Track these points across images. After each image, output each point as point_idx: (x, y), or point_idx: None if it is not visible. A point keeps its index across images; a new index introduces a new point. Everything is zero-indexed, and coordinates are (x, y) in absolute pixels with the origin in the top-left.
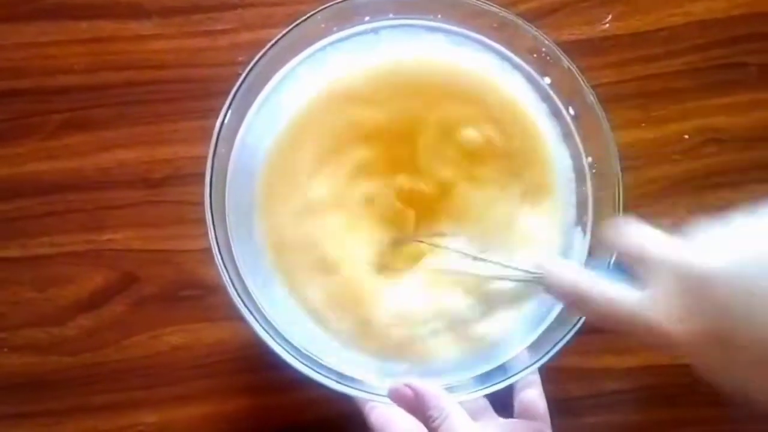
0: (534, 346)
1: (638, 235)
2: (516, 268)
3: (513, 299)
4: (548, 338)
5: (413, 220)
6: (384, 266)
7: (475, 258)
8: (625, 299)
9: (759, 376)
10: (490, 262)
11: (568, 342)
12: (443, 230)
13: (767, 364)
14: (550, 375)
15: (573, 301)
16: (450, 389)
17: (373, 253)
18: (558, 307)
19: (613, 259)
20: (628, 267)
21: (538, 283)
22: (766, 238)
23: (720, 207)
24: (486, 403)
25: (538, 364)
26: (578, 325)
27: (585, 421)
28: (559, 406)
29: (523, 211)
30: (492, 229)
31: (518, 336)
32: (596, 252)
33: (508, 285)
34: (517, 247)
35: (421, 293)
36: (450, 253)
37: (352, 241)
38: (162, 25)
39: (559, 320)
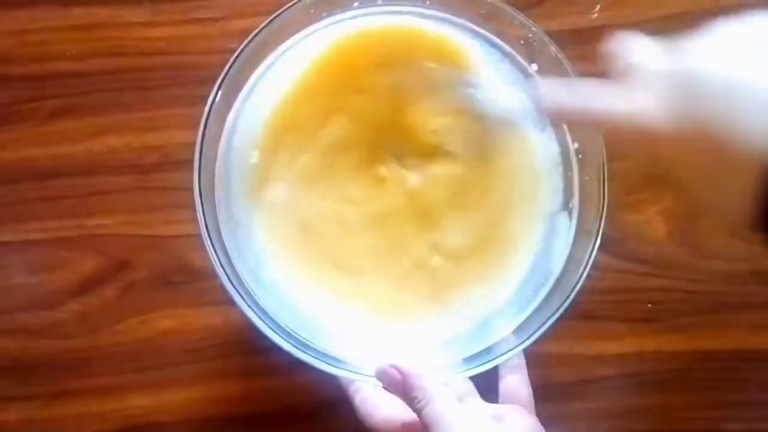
0: (520, 329)
1: (632, 46)
2: (515, 93)
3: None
4: (535, 321)
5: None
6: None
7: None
8: (618, 105)
9: (716, 178)
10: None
11: (553, 325)
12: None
13: (724, 167)
14: (539, 361)
15: (572, 119)
16: (436, 369)
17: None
18: (545, 290)
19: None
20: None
21: (537, 105)
22: (748, 38)
23: None
24: (471, 386)
25: (523, 346)
26: (564, 308)
27: (573, 407)
28: (547, 391)
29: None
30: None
31: (505, 319)
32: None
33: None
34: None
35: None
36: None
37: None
38: (154, 12)
39: (546, 303)
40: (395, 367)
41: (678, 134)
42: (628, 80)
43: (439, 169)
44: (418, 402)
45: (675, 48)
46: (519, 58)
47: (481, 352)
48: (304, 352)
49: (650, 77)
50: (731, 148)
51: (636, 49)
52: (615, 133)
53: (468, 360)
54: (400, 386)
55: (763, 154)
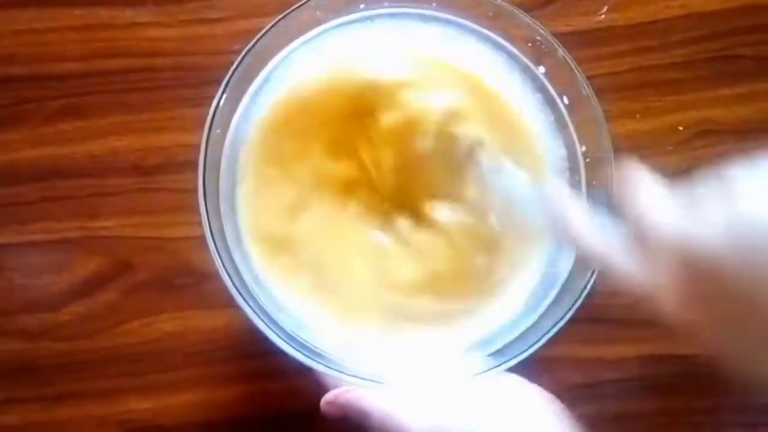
0: (528, 334)
1: (637, 190)
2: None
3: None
4: (542, 325)
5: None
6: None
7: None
8: (636, 273)
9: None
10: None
11: (560, 329)
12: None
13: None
14: (545, 364)
15: (582, 246)
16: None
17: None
18: (553, 295)
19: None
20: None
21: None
22: (746, 204)
23: None
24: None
25: (532, 350)
26: (572, 312)
27: (579, 410)
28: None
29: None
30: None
31: (513, 324)
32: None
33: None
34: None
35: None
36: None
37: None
38: (157, 12)
39: (554, 307)
40: (331, 404)
41: (701, 323)
42: (640, 238)
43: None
44: (364, 423)
45: (683, 213)
46: (526, 60)
47: (488, 356)
48: (307, 356)
49: (662, 247)
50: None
51: (645, 197)
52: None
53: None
54: (345, 416)
55: None
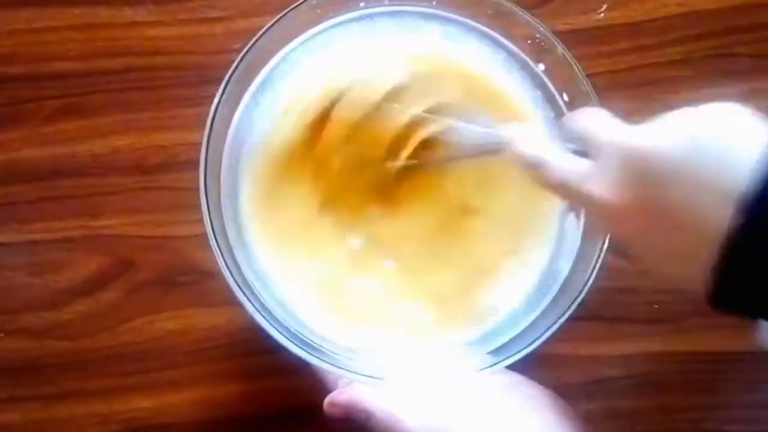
0: (529, 330)
1: (592, 118)
2: (490, 133)
3: None
4: (543, 322)
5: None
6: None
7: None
8: (573, 169)
9: (673, 256)
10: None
11: (561, 326)
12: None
13: (683, 247)
14: (546, 361)
15: (531, 167)
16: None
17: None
18: (554, 292)
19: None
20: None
21: (505, 149)
22: (706, 122)
23: None
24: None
25: (532, 347)
26: (573, 309)
27: (579, 407)
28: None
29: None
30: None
31: (513, 320)
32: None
33: None
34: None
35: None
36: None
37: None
38: (157, 11)
39: (555, 304)
40: (333, 405)
41: (629, 210)
42: (591, 150)
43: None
44: (365, 423)
45: (632, 127)
46: (526, 57)
47: (489, 353)
48: (309, 353)
49: (604, 152)
50: (686, 226)
51: (595, 122)
52: (569, 201)
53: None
54: (348, 417)
55: (718, 231)
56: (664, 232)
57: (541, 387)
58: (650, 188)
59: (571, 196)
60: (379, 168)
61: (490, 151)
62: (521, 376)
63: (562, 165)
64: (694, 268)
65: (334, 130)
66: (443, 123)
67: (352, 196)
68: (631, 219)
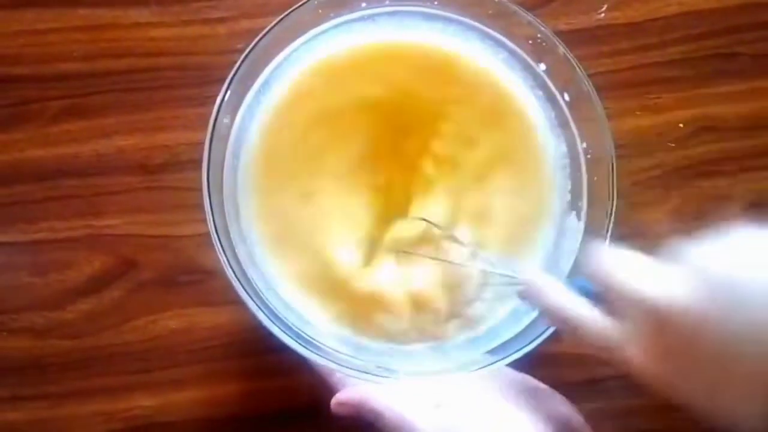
0: (529, 329)
1: (610, 265)
2: (502, 274)
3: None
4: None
5: (406, 193)
6: (373, 248)
7: (469, 251)
8: (607, 334)
9: (728, 405)
10: (481, 260)
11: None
12: (437, 212)
13: (730, 398)
14: (546, 361)
15: (551, 318)
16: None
17: (363, 236)
18: None
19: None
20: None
21: (518, 293)
22: (723, 269)
23: (714, 195)
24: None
25: (532, 346)
26: None
27: (580, 407)
28: None
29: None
30: (490, 221)
31: (514, 319)
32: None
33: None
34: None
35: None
36: (444, 240)
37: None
38: (160, 12)
39: None
40: (341, 404)
41: (670, 375)
42: (612, 299)
43: (446, 176)
44: (376, 423)
45: (657, 276)
46: (527, 57)
47: (490, 350)
48: (313, 352)
49: (634, 315)
50: (732, 380)
51: (618, 271)
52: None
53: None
54: (357, 416)
55: None
56: (718, 387)
57: (548, 387)
58: (690, 354)
59: (605, 355)
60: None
61: (511, 294)
62: (528, 376)
63: (591, 326)
64: (753, 411)
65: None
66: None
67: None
68: (678, 382)
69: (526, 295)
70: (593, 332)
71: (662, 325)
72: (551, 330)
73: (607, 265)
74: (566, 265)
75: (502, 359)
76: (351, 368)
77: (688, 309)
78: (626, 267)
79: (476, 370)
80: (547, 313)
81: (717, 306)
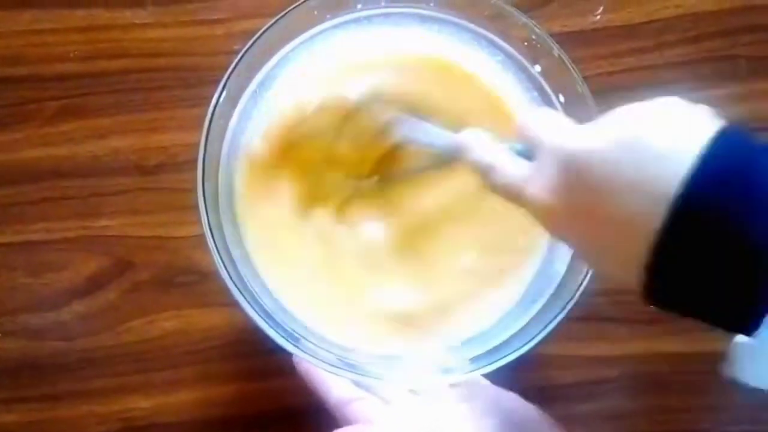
0: (524, 331)
1: (539, 119)
2: (445, 135)
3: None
4: (539, 323)
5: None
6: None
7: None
8: (514, 173)
9: (610, 256)
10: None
11: (556, 326)
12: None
13: (618, 247)
14: (542, 362)
15: (479, 171)
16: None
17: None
18: (549, 292)
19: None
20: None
21: (460, 155)
22: (641, 123)
23: None
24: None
25: (528, 347)
26: (567, 310)
27: (575, 408)
28: (548, 393)
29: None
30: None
31: (509, 320)
32: None
33: None
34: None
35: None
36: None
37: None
38: (157, 13)
39: (550, 305)
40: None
41: (566, 213)
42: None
43: (440, 184)
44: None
45: (572, 129)
46: (522, 59)
47: (485, 353)
48: (307, 353)
49: (543, 155)
50: (620, 228)
51: (541, 124)
52: (512, 203)
53: (473, 361)
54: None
55: (648, 230)
56: (600, 234)
57: (530, 405)
58: (585, 191)
59: (513, 198)
60: (351, 182)
61: (448, 157)
62: (511, 393)
63: (506, 168)
64: (630, 267)
65: (311, 141)
66: (400, 131)
67: (340, 202)
68: (568, 221)
69: (458, 151)
70: (505, 173)
71: (566, 167)
72: (545, 332)
73: (531, 120)
74: (562, 267)
75: (485, 366)
76: (347, 371)
77: (591, 153)
78: (547, 121)
79: (459, 375)
80: (471, 165)
81: (617, 156)
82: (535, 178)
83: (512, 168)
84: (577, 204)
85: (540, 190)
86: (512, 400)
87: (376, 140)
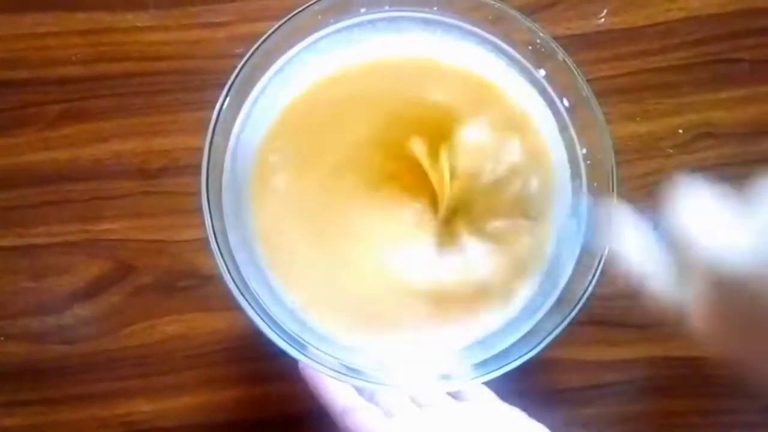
0: (530, 335)
1: (693, 219)
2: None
3: None
4: (544, 327)
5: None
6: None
7: None
8: (674, 301)
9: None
10: None
11: (562, 331)
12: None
13: None
14: (548, 366)
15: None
16: (447, 377)
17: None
18: (554, 297)
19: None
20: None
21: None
22: None
23: None
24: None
25: (534, 352)
26: (573, 314)
27: (581, 412)
28: (554, 397)
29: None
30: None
31: (514, 325)
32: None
33: None
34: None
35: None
36: None
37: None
38: (159, 16)
39: (556, 309)
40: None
41: (730, 332)
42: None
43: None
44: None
45: (718, 238)
46: (526, 63)
47: (490, 358)
48: (311, 358)
49: (701, 279)
50: None
51: (695, 227)
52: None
53: (478, 366)
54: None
55: None
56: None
57: (538, 425)
58: (748, 318)
59: (663, 312)
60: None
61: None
62: (517, 410)
63: (664, 292)
64: None
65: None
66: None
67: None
68: (734, 337)
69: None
70: (664, 295)
71: (731, 292)
72: (551, 337)
73: (688, 210)
74: (566, 271)
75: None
76: (351, 377)
77: (762, 272)
78: (702, 216)
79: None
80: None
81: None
82: (694, 306)
83: (671, 293)
84: (741, 326)
85: (706, 323)
86: (519, 418)
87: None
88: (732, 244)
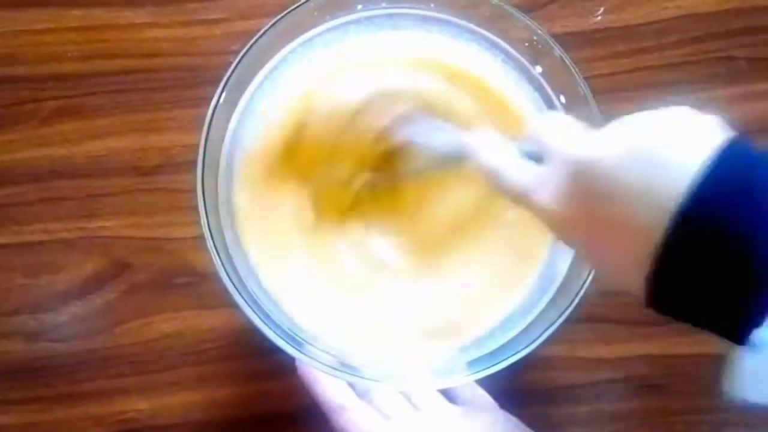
0: (526, 333)
1: (551, 124)
2: (453, 138)
3: None
4: (540, 324)
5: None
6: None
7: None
8: (524, 178)
9: (616, 264)
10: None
11: (558, 328)
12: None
13: (624, 256)
14: (544, 364)
15: (488, 174)
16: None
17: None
18: (550, 294)
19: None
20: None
21: (467, 157)
22: (649, 131)
23: None
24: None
25: (529, 349)
26: (569, 311)
27: (575, 410)
28: (549, 395)
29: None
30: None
31: (510, 322)
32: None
33: None
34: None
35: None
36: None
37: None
38: (156, 13)
39: (551, 306)
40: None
41: (574, 220)
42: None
43: (445, 195)
44: None
45: (583, 136)
46: (523, 60)
47: (485, 355)
48: (306, 355)
49: (554, 161)
50: (626, 237)
51: (552, 129)
52: (522, 208)
53: (473, 363)
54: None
55: (651, 239)
56: (605, 240)
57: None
58: (593, 200)
59: (522, 203)
60: (351, 184)
61: (455, 158)
62: (513, 417)
63: (515, 172)
64: (632, 274)
65: (311, 143)
66: (406, 130)
67: (341, 206)
68: (577, 228)
69: (465, 152)
70: (513, 178)
71: (575, 174)
72: (547, 334)
73: (542, 125)
74: (562, 268)
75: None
76: (346, 373)
77: (600, 162)
78: (558, 127)
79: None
80: (478, 167)
81: (625, 165)
82: (543, 184)
83: (520, 172)
84: (584, 211)
85: (548, 196)
86: (514, 424)
87: (381, 138)
88: (589, 140)
